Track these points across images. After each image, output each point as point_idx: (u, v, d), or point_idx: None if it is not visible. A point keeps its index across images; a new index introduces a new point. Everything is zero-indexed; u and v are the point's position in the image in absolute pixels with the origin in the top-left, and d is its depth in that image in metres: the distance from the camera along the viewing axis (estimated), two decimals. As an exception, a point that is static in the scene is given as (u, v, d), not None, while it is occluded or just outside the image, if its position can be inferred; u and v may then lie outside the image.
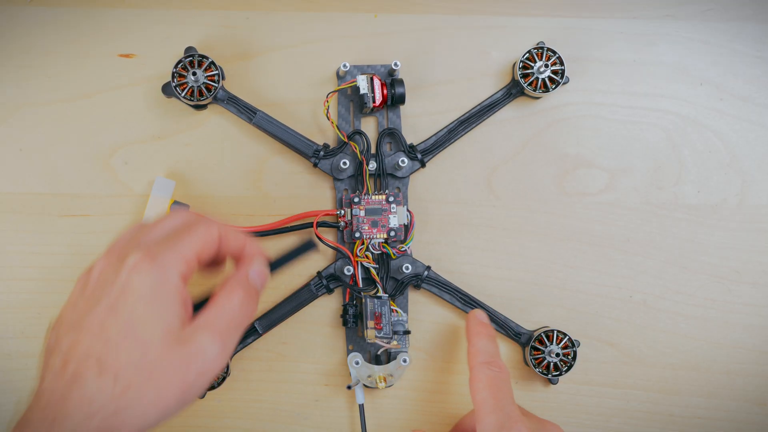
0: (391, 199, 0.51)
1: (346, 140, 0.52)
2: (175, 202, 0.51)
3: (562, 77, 0.53)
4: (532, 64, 0.53)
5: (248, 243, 0.40)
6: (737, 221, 0.55)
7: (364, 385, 0.51)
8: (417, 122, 0.54)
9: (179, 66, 0.51)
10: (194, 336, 0.35)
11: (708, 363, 0.54)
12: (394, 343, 0.50)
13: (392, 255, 0.51)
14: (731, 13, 0.56)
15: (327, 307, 0.53)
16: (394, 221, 0.51)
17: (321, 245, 0.44)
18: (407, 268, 0.52)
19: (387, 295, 0.51)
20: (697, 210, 0.55)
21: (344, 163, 0.52)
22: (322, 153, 0.52)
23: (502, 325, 0.52)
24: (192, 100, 0.51)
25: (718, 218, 0.55)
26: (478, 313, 0.51)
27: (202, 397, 0.52)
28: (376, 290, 0.52)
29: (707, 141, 0.56)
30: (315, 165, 0.52)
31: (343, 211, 0.52)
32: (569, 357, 0.52)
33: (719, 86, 0.56)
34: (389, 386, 0.51)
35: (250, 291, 0.38)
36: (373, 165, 0.52)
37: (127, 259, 0.35)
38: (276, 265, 0.41)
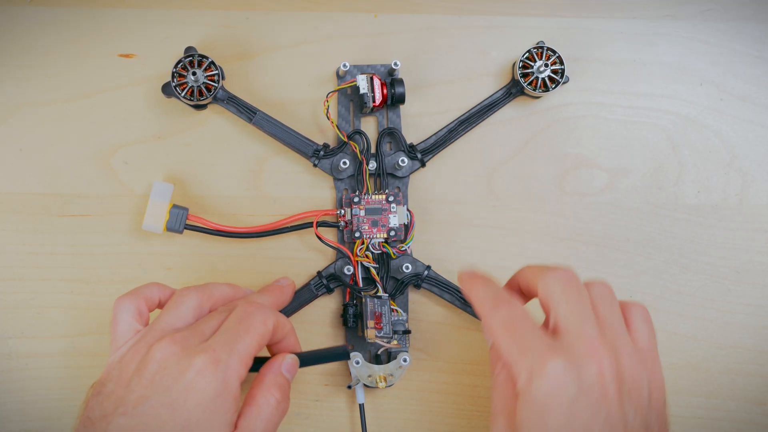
0: (391, 198, 0.51)
1: (346, 140, 0.52)
2: (174, 206, 0.51)
3: (561, 76, 0.53)
4: (532, 64, 0.53)
5: (289, 333, 0.44)
6: (737, 221, 0.55)
7: (364, 384, 0.51)
8: (417, 122, 0.54)
9: (179, 66, 0.51)
10: None
11: (708, 363, 0.54)
12: (395, 342, 0.50)
13: (392, 255, 0.51)
14: (731, 13, 0.56)
15: (327, 307, 0.53)
16: (394, 221, 0.51)
17: (351, 349, 0.44)
18: (407, 268, 0.52)
19: (387, 295, 0.51)
20: (697, 210, 0.55)
21: (344, 163, 0.52)
22: (322, 153, 0.52)
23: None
24: (192, 100, 0.51)
25: (718, 218, 0.55)
26: (465, 271, 0.44)
27: None
28: (376, 290, 0.52)
29: (707, 141, 0.56)
30: (315, 165, 0.52)
31: (343, 211, 0.52)
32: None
33: (719, 86, 0.56)
34: (389, 386, 0.51)
35: (284, 389, 0.41)
36: (373, 165, 0.52)
37: (195, 359, 0.37)
38: (306, 362, 0.44)
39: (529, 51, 0.53)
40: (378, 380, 0.50)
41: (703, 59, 0.56)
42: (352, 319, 0.51)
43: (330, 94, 0.51)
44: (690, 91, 0.56)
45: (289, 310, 0.52)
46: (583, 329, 0.36)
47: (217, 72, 0.51)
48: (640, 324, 0.39)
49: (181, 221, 0.51)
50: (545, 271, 0.39)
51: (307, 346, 0.53)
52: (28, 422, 0.52)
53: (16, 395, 0.52)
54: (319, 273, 0.52)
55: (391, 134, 0.53)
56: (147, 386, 0.36)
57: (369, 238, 0.51)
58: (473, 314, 0.52)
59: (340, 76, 0.54)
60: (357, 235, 0.51)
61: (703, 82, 0.56)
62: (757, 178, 0.55)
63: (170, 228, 0.51)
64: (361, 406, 0.52)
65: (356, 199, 0.51)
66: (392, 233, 0.51)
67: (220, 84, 0.51)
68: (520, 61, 0.53)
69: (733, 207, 0.55)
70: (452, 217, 0.54)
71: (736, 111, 0.56)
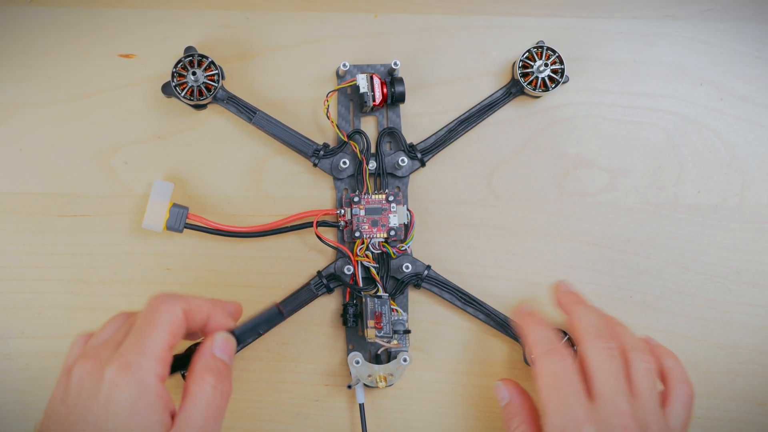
0: (391, 198, 0.51)
1: (345, 140, 0.52)
2: (174, 205, 0.51)
3: (561, 76, 0.53)
4: (532, 63, 0.53)
5: (212, 314, 0.41)
6: (737, 221, 0.55)
7: (364, 384, 0.51)
8: (417, 122, 0.54)
9: (179, 66, 0.51)
10: None
11: (708, 363, 0.54)
12: (395, 342, 0.50)
13: (392, 254, 0.51)
14: (731, 13, 0.56)
15: (327, 306, 0.53)
16: (394, 220, 0.51)
17: (286, 311, 0.45)
18: (407, 268, 0.51)
19: (387, 295, 0.51)
20: (697, 210, 0.55)
21: (344, 163, 0.52)
22: (321, 153, 0.52)
23: (502, 324, 0.52)
24: (192, 100, 0.51)
25: (718, 218, 0.55)
26: (523, 308, 0.48)
27: None
28: (376, 290, 0.52)
29: (707, 141, 0.56)
30: (315, 165, 0.52)
31: (343, 211, 0.52)
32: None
33: (719, 86, 0.56)
34: (389, 386, 0.51)
35: (219, 371, 0.38)
36: (373, 164, 0.52)
37: (105, 371, 0.35)
38: (243, 334, 0.42)
39: (529, 51, 0.53)
40: (378, 380, 0.50)
41: (703, 59, 0.56)
42: (352, 319, 0.51)
43: (330, 94, 0.51)
44: (690, 91, 0.56)
45: (289, 310, 0.52)
46: (618, 401, 0.39)
47: (216, 72, 0.51)
48: (679, 407, 0.42)
49: (181, 220, 0.51)
50: (591, 333, 0.43)
51: (307, 346, 0.53)
52: (28, 422, 0.52)
53: (16, 395, 0.52)
54: (319, 273, 0.52)
55: (391, 134, 0.53)
56: (71, 412, 0.36)
57: (369, 237, 0.51)
58: (473, 314, 0.52)
59: (340, 76, 0.54)
60: (357, 234, 0.51)
61: (703, 82, 0.56)
62: (757, 178, 0.55)
63: (170, 227, 0.51)
64: (361, 406, 0.52)
65: (356, 199, 0.51)
66: (392, 233, 0.51)
67: (220, 84, 0.51)
68: (520, 60, 0.53)
69: (733, 207, 0.55)
70: (452, 217, 0.54)
71: (736, 111, 0.56)
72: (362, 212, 0.51)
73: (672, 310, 0.54)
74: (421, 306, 0.54)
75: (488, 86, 0.55)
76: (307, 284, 0.52)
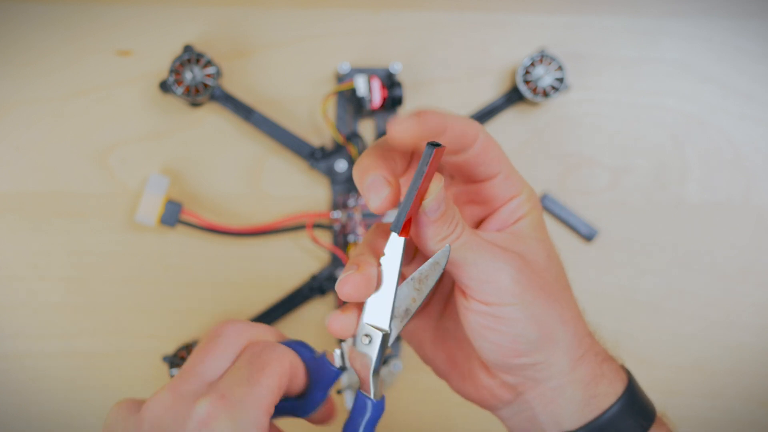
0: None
1: (342, 143, 0.51)
2: (170, 201, 0.51)
3: (562, 83, 0.52)
4: (533, 71, 0.52)
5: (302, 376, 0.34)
6: (742, 220, 0.55)
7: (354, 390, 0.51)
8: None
9: (176, 63, 0.50)
10: None
11: (713, 363, 0.54)
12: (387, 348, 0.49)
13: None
14: (735, 9, 0.56)
15: (320, 310, 0.53)
16: (391, 224, 0.51)
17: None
18: (405, 270, 0.51)
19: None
20: (702, 209, 0.55)
21: (341, 165, 0.51)
22: (319, 155, 0.52)
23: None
24: (189, 98, 0.50)
25: (722, 217, 0.55)
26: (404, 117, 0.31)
27: None
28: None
29: (711, 139, 0.55)
30: (311, 167, 0.52)
31: (337, 213, 0.51)
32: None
33: (723, 84, 0.55)
34: (382, 391, 0.50)
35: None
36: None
37: (197, 407, 0.29)
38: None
39: (531, 59, 0.52)
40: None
41: (707, 56, 0.56)
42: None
43: (328, 96, 0.51)
44: (694, 89, 0.55)
45: (281, 312, 0.51)
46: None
47: (214, 69, 0.50)
48: None
49: (174, 216, 0.50)
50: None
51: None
52: (26, 422, 0.52)
53: (13, 396, 0.52)
54: (312, 276, 0.52)
55: (389, 136, 0.53)
56: None
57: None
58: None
59: (339, 77, 0.53)
60: (351, 238, 0.51)
61: (707, 79, 0.55)
62: (762, 177, 0.55)
63: (164, 222, 0.50)
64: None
65: (351, 202, 0.51)
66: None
67: (218, 82, 0.51)
68: (522, 67, 0.52)
69: (737, 205, 0.55)
70: (453, 216, 0.54)
71: (740, 108, 0.55)
72: (357, 215, 0.51)
73: (676, 309, 0.54)
74: (421, 306, 0.53)
75: (489, 84, 0.54)
76: (301, 287, 0.52)
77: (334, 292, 0.52)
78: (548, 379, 0.34)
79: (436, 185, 0.29)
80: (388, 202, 0.30)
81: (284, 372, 0.32)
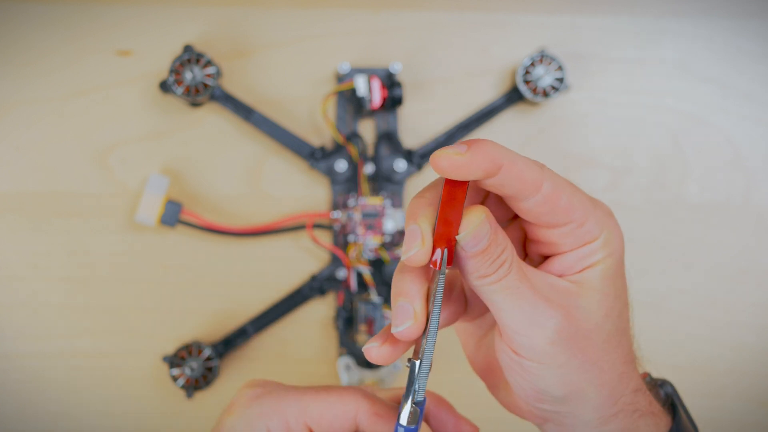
0: (388, 202, 0.51)
1: (342, 143, 0.51)
2: (170, 201, 0.51)
3: (562, 83, 0.52)
4: (533, 71, 0.52)
5: None
6: (742, 220, 0.55)
7: None
8: (416, 121, 0.54)
9: (176, 63, 0.50)
10: None
11: (712, 364, 0.54)
12: None
13: (386, 259, 0.51)
14: (735, 9, 0.56)
15: (320, 310, 0.53)
16: (390, 225, 0.51)
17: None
18: (404, 271, 0.51)
19: (381, 299, 0.50)
20: (701, 209, 0.55)
21: (341, 166, 0.51)
22: (319, 155, 0.52)
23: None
24: (189, 98, 0.50)
25: (722, 217, 0.55)
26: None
27: (190, 396, 0.51)
28: (369, 295, 0.51)
29: (711, 139, 0.55)
30: (311, 167, 0.52)
31: (337, 213, 0.51)
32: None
33: (723, 84, 0.55)
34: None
35: None
36: (370, 168, 0.52)
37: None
38: None
39: (531, 59, 0.52)
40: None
41: (708, 56, 0.56)
42: (344, 324, 0.51)
43: (328, 96, 0.51)
44: (694, 89, 0.55)
45: (281, 312, 0.51)
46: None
47: (214, 69, 0.50)
48: None
49: (174, 216, 0.50)
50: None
51: (300, 349, 0.53)
52: (25, 422, 0.52)
53: (13, 396, 0.52)
54: (312, 276, 0.52)
55: (388, 138, 0.52)
56: None
57: (364, 241, 0.51)
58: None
59: (339, 77, 0.53)
60: (351, 238, 0.51)
61: (707, 79, 0.55)
62: (762, 177, 0.55)
63: (164, 222, 0.50)
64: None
65: (352, 202, 0.51)
66: (387, 237, 0.51)
67: (218, 82, 0.51)
68: (522, 68, 0.52)
69: (737, 205, 0.55)
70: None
71: (740, 109, 0.55)
72: (357, 216, 0.51)
73: (676, 309, 0.54)
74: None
75: (489, 85, 0.54)
76: (300, 287, 0.52)
77: (334, 292, 0.52)
78: (573, 427, 0.32)
79: (477, 217, 0.27)
80: (409, 334, 0.29)
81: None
